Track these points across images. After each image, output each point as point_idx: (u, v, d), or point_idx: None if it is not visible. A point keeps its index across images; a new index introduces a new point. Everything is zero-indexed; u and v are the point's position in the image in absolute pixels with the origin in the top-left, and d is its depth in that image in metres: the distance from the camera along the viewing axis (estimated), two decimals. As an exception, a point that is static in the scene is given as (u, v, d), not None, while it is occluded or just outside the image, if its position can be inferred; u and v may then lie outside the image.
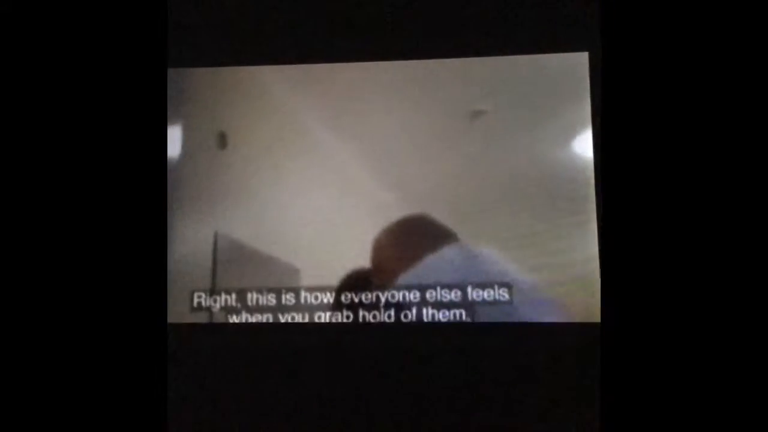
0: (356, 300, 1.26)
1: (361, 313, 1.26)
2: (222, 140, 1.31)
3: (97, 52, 0.77)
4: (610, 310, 0.74)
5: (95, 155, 0.76)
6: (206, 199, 1.27)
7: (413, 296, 1.28)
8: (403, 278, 1.26)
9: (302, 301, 1.25)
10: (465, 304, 1.27)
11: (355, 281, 1.26)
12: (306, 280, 1.24)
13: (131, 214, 0.75)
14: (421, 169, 1.29)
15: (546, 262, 1.27)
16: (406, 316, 1.27)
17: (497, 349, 1.24)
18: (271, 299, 1.26)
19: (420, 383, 1.23)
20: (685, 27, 0.75)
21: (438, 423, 1.21)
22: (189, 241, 1.25)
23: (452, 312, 1.27)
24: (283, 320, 1.25)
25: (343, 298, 1.26)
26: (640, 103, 0.76)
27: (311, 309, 1.25)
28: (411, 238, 1.29)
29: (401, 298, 1.27)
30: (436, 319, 1.26)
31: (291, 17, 1.33)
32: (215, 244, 1.25)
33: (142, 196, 0.76)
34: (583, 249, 1.22)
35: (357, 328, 1.25)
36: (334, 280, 1.25)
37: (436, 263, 1.27)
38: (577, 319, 1.21)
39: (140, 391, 0.74)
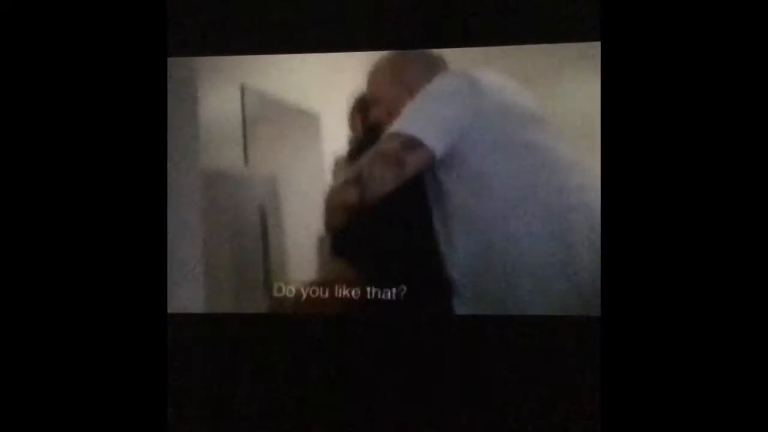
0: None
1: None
2: None
3: (97, 33, 0.76)
4: (611, 304, 0.73)
5: (96, 143, 0.76)
6: (231, 56, 1.31)
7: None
8: (404, 111, 1.28)
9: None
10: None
11: (359, 108, 1.30)
12: (325, 124, 1.31)
13: (131, 207, 0.76)
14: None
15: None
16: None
17: (496, 343, 1.23)
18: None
19: (418, 376, 1.25)
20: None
21: (436, 418, 1.23)
22: (217, 96, 1.31)
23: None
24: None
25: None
26: (643, 96, 0.74)
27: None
28: (404, 72, 1.30)
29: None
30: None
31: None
32: (243, 96, 1.30)
33: (142, 192, 0.77)
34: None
35: (353, 318, 1.26)
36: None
37: (433, 92, 1.28)
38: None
39: (140, 384, 0.75)
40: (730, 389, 0.69)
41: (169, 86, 1.20)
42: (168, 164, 1.09)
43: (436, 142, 1.26)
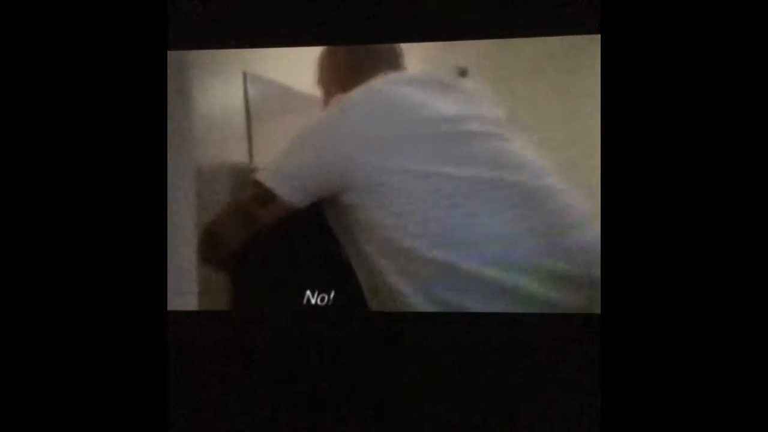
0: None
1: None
2: None
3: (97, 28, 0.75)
4: (611, 301, 0.73)
5: (95, 138, 0.75)
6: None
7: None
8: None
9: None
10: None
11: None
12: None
13: (130, 203, 0.75)
14: None
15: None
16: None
17: (494, 341, 1.21)
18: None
19: (418, 376, 1.23)
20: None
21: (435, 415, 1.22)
22: (219, 84, 1.25)
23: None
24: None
25: None
26: (644, 90, 0.73)
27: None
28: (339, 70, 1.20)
29: None
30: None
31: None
32: (245, 83, 1.25)
33: (141, 188, 0.76)
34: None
35: (352, 316, 1.23)
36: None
37: (315, 126, 1.17)
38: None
39: (140, 381, 0.75)
40: (731, 387, 0.69)
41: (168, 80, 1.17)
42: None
43: (293, 196, 1.15)
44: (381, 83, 1.17)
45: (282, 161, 1.17)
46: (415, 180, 1.12)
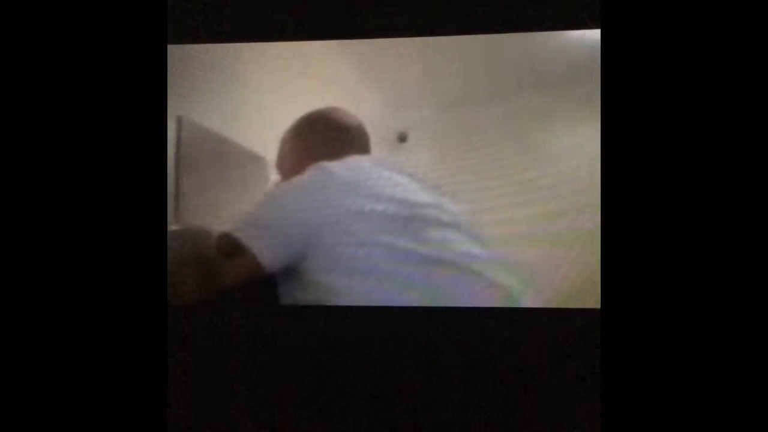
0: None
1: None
2: None
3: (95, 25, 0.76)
4: (611, 296, 0.73)
5: (94, 134, 0.75)
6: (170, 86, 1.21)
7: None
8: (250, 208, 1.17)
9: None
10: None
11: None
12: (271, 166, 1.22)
13: (130, 199, 0.76)
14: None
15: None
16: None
17: (496, 336, 1.22)
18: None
19: (417, 370, 1.23)
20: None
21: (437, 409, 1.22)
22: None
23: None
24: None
25: None
26: (643, 86, 0.74)
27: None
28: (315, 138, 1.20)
29: None
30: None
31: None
32: (179, 128, 1.21)
33: (140, 184, 0.76)
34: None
35: (350, 312, 1.22)
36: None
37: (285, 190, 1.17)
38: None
39: (140, 377, 0.75)
40: (730, 382, 0.69)
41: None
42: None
43: (269, 256, 1.10)
44: (358, 159, 1.18)
45: (252, 216, 1.13)
46: (376, 251, 1.14)
